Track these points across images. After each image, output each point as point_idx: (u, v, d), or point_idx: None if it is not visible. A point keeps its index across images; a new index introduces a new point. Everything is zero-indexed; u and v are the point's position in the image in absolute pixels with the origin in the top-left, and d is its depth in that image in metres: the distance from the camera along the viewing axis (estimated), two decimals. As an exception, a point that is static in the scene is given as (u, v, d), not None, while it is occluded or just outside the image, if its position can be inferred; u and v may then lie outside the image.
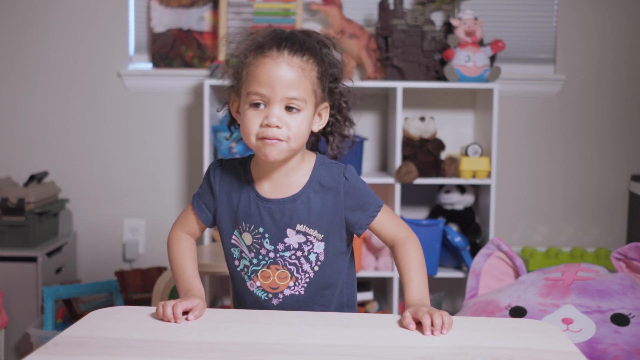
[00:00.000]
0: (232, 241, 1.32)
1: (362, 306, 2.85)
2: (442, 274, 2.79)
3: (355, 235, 1.34)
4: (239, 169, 1.33)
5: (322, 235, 1.29)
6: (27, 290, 2.61)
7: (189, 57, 2.99)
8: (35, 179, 2.81)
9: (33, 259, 2.61)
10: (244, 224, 1.30)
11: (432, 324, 1.12)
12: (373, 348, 1.06)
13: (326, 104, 1.31)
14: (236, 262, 1.32)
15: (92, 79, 3.00)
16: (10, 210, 2.65)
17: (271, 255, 1.29)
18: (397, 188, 2.71)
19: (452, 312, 2.77)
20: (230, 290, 1.42)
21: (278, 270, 1.29)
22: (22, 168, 2.98)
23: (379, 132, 3.01)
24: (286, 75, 1.21)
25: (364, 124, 2.96)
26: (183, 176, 3.03)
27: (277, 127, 1.21)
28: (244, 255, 1.31)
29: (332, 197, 1.29)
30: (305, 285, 1.30)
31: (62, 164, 3.01)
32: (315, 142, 1.39)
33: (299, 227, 1.28)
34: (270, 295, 1.30)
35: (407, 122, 2.82)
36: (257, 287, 1.31)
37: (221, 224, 1.33)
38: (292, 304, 1.30)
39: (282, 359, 1.01)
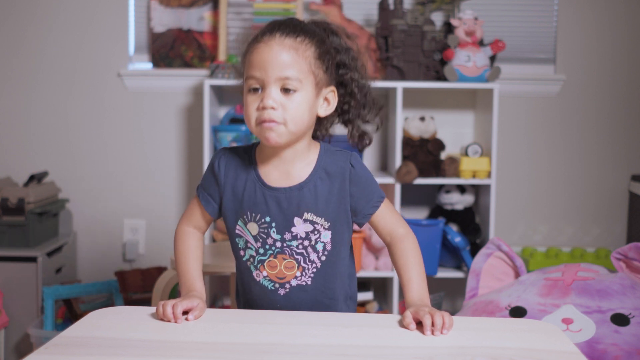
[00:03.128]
0: (237, 231, 1.30)
1: (362, 306, 2.85)
2: (442, 274, 2.79)
3: (354, 234, 1.34)
4: (243, 157, 1.32)
5: (329, 224, 1.28)
6: (27, 290, 2.61)
7: (189, 57, 2.99)
8: (35, 179, 2.81)
9: (33, 259, 2.61)
10: (249, 213, 1.28)
11: (433, 324, 1.12)
12: (373, 348, 1.06)
13: (332, 88, 1.29)
14: (241, 252, 1.31)
15: (92, 79, 3.00)
16: (10, 210, 2.65)
17: (278, 244, 1.27)
18: (397, 188, 2.71)
19: (452, 312, 2.77)
20: (232, 289, 1.41)
21: (285, 260, 1.28)
22: (22, 168, 2.98)
23: (379, 132, 3.01)
24: (278, 56, 1.20)
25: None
26: (183, 176, 3.03)
27: (273, 108, 1.20)
28: (249, 245, 1.29)
29: (339, 185, 1.28)
30: (312, 275, 1.29)
31: (62, 164, 3.01)
32: (324, 128, 1.37)
33: (307, 215, 1.27)
34: (277, 285, 1.29)
35: (407, 122, 2.82)
36: (264, 277, 1.29)
37: (226, 213, 1.31)
38: (298, 294, 1.29)
39: (282, 359, 1.01)
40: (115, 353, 1.02)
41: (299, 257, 1.28)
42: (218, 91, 2.88)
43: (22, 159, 3.01)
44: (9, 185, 2.81)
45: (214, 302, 2.91)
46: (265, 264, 1.29)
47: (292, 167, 1.28)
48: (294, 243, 1.27)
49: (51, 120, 3.01)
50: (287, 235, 1.27)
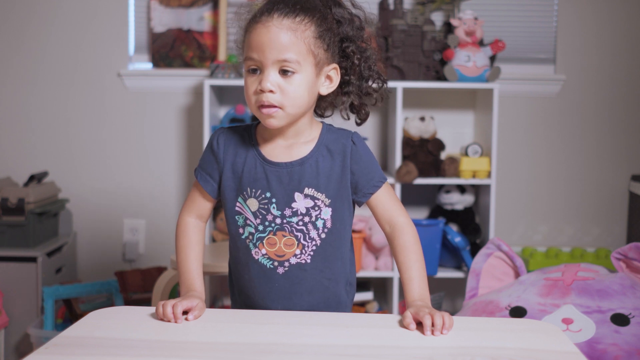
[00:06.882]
0: (236, 208, 1.29)
1: (362, 306, 2.85)
2: (442, 274, 2.79)
3: (354, 235, 1.33)
4: (243, 134, 1.31)
5: (330, 200, 1.27)
6: (27, 290, 2.61)
7: (189, 57, 2.99)
8: (35, 179, 2.81)
9: (33, 259, 2.61)
10: (249, 189, 1.27)
11: (433, 324, 1.12)
12: (373, 348, 1.06)
13: (334, 65, 1.27)
14: (240, 230, 1.30)
15: (92, 78, 3.00)
16: (10, 210, 2.65)
17: (278, 221, 1.27)
18: (397, 188, 2.71)
19: (452, 312, 2.77)
20: (227, 280, 1.40)
21: (285, 236, 1.27)
22: (22, 168, 2.98)
23: (379, 132, 3.01)
24: (275, 38, 1.19)
25: (364, 124, 2.95)
26: (183, 176, 3.03)
27: (271, 91, 1.20)
28: (248, 222, 1.28)
29: (340, 161, 1.28)
30: (311, 253, 1.28)
31: (62, 164, 3.01)
32: (327, 102, 1.35)
33: (307, 190, 1.26)
34: (275, 264, 1.28)
35: (407, 122, 2.82)
36: (263, 255, 1.28)
37: (225, 191, 1.30)
38: (297, 273, 1.28)
39: (282, 359, 1.01)
40: (115, 353, 1.02)
41: (298, 234, 1.27)
42: (218, 91, 2.88)
43: (22, 159, 3.01)
44: (9, 185, 2.81)
45: (214, 302, 2.91)
46: (264, 241, 1.28)
47: (293, 144, 1.29)
48: (294, 219, 1.27)
49: (51, 120, 3.01)
50: (287, 211, 1.27)
